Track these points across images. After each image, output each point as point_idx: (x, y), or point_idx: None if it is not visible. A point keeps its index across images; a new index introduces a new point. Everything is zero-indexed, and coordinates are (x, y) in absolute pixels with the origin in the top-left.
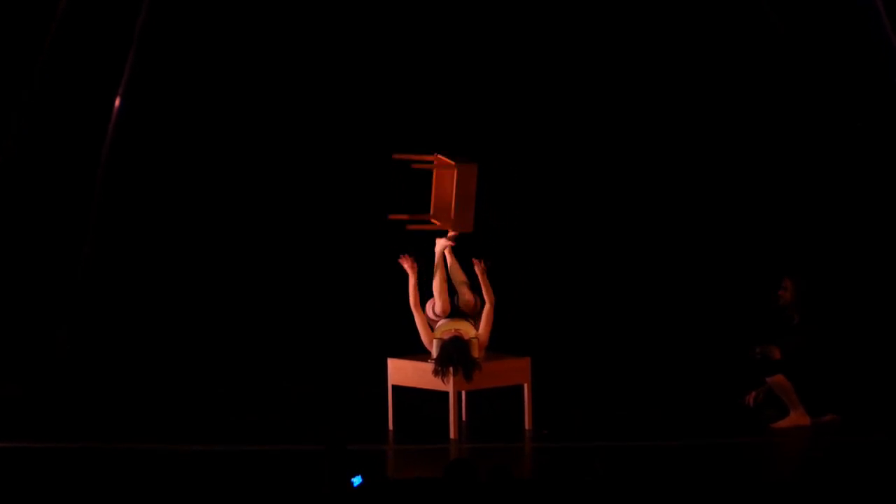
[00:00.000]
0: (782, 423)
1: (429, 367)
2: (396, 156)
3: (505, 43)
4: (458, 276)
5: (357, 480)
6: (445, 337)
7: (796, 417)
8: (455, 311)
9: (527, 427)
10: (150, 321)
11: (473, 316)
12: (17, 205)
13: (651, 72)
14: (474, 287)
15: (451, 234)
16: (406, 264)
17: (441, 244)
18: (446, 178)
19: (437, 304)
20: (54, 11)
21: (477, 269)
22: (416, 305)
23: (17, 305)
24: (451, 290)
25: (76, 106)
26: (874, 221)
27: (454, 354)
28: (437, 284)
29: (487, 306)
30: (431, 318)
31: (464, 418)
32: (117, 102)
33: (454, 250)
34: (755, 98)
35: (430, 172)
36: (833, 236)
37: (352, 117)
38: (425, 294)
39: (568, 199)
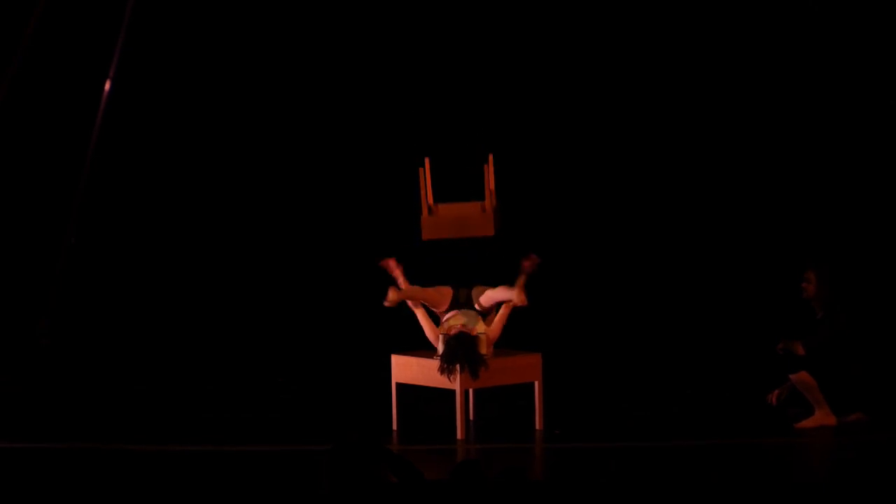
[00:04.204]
0: (807, 423)
1: (434, 363)
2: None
3: (517, 38)
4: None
5: None
6: (451, 332)
7: (821, 416)
8: (464, 303)
9: (538, 427)
10: (141, 316)
11: (484, 312)
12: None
13: (666, 63)
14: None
15: None
16: (389, 268)
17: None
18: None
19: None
20: None
21: (525, 265)
22: (420, 303)
23: None
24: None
25: (60, 92)
26: None
27: (460, 351)
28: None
29: (507, 308)
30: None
31: (471, 418)
32: (107, 86)
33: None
34: (778, 84)
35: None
36: (858, 227)
37: (352, 107)
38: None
39: (583, 191)
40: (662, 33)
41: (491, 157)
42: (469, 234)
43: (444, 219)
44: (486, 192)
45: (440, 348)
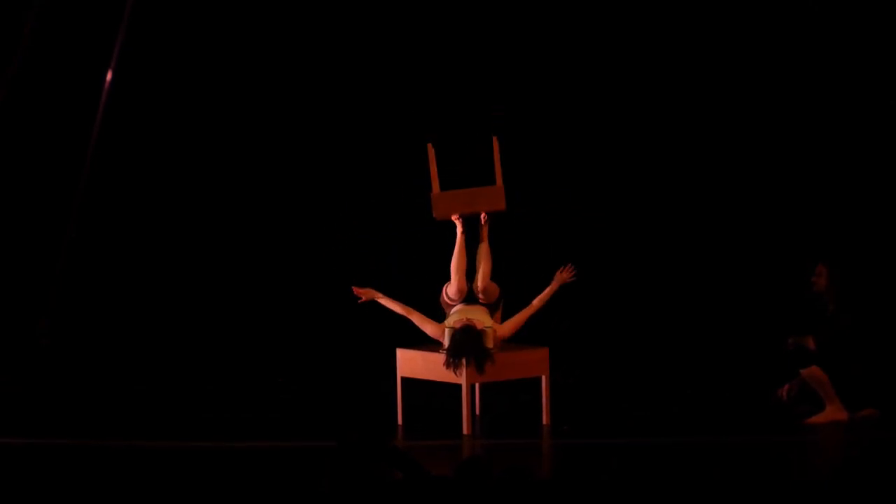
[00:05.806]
0: (818, 418)
1: (440, 357)
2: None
3: (525, 27)
4: (483, 259)
5: None
6: (457, 326)
7: (832, 412)
8: (471, 296)
9: (545, 422)
10: (142, 316)
11: (491, 305)
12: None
13: (673, 58)
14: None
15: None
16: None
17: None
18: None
19: (452, 284)
20: None
21: (557, 276)
22: (406, 311)
23: None
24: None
25: (60, 91)
26: None
27: (466, 344)
28: (455, 263)
29: (530, 310)
30: (447, 301)
31: (477, 413)
32: (107, 83)
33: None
34: (787, 78)
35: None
36: (869, 220)
37: (354, 99)
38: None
39: (592, 185)
40: (670, 29)
41: (496, 140)
42: (481, 209)
43: (454, 196)
44: (496, 170)
45: (446, 342)
